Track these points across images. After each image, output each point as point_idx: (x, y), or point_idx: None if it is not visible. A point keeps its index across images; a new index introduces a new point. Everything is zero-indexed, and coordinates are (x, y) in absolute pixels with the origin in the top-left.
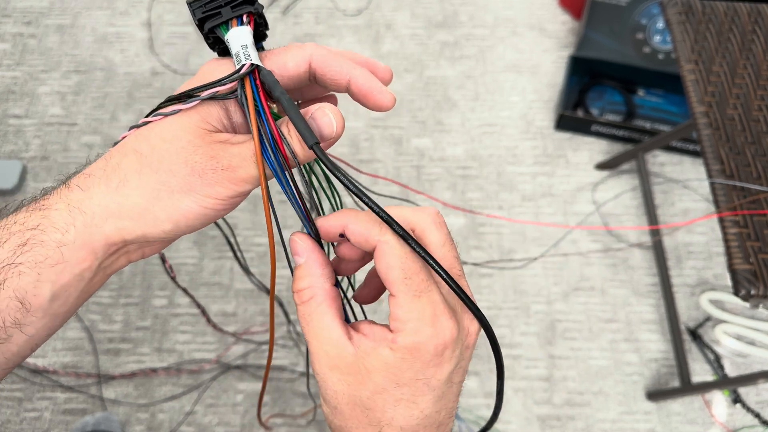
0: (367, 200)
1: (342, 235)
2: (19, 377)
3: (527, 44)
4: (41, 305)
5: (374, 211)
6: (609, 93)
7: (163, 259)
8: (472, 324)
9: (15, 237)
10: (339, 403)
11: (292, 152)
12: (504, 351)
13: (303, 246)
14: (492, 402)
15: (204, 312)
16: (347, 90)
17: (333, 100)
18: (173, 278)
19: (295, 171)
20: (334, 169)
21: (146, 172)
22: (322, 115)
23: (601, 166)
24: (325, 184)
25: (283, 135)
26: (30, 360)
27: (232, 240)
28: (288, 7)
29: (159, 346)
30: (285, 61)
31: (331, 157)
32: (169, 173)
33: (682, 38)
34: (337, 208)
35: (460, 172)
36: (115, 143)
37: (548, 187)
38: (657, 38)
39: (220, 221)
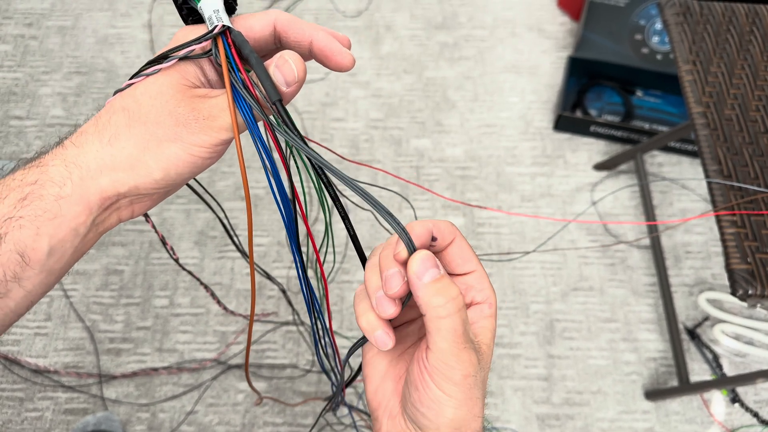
0: (327, 166)
1: (434, 239)
2: (21, 377)
3: (526, 45)
4: (39, 259)
5: (340, 176)
6: (607, 94)
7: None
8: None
9: (15, 192)
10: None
11: (265, 97)
12: (503, 350)
13: (438, 262)
14: (491, 401)
15: (170, 250)
16: (310, 51)
17: None
18: (162, 238)
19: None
20: (292, 129)
21: (135, 125)
22: (283, 63)
23: (600, 167)
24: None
25: (255, 83)
26: (31, 360)
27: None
28: (288, 9)
29: (160, 346)
30: (251, 24)
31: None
32: (157, 125)
33: (680, 39)
34: (323, 201)
35: (460, 172)
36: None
37: (547, 187)
38: (655, 39)
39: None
